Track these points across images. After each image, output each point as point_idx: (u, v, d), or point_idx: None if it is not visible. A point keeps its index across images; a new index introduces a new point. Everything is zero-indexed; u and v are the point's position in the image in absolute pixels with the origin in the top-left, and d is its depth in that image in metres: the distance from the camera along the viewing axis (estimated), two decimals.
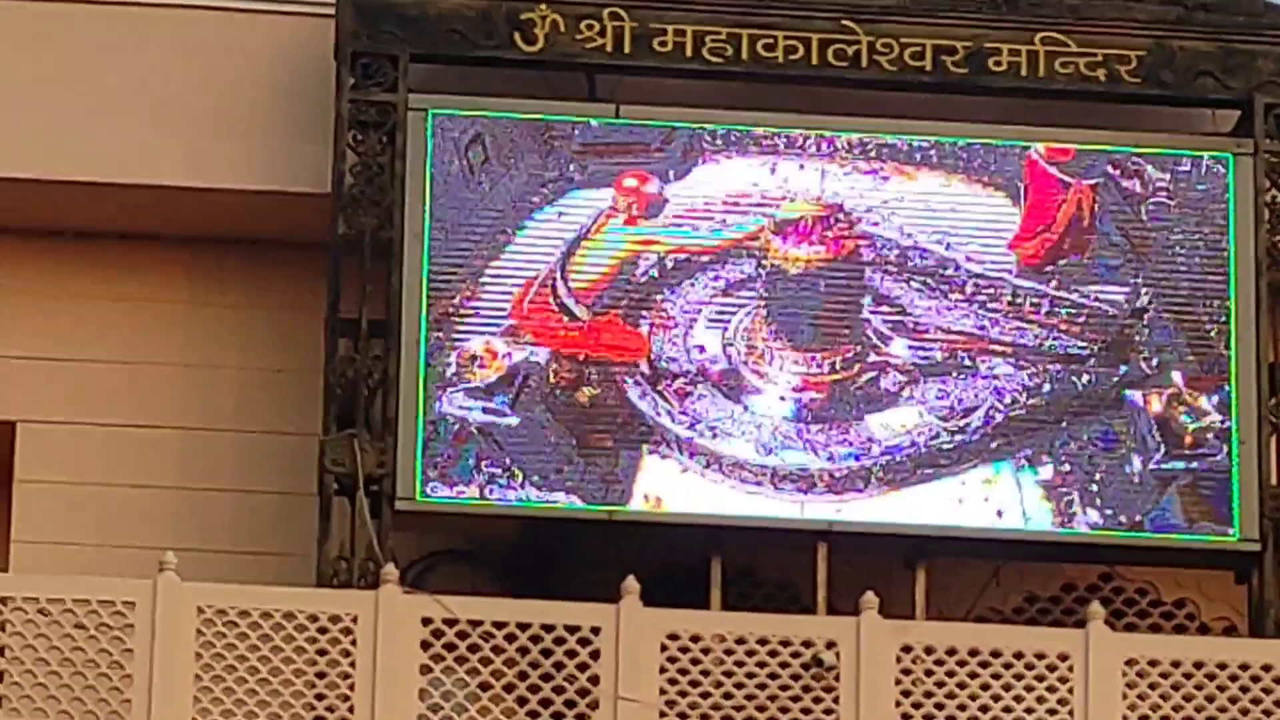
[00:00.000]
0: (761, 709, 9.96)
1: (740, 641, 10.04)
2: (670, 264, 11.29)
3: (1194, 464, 11.26)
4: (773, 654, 9.98)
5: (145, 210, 11.81)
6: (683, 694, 9.93)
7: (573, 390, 11.04)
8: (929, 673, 9.94)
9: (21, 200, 11.61)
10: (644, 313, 11.18)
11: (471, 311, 11.06)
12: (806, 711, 10.00)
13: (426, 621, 9.94)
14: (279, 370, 12.03)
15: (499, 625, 9.95)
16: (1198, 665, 10.27)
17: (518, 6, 11.64)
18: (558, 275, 11.17)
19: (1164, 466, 11.22)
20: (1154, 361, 11.31)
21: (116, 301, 11.97)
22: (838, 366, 11.26)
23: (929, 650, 10.03)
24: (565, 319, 11.12)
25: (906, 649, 9.98)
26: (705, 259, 11.34)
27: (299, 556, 11.24)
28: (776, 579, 11.40)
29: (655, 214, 11.32)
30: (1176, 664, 10.30)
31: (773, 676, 9.89)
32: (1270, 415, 11.25)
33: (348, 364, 10.88)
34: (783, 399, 11.16)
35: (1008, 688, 10.01)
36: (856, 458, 11.08)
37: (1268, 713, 10.37)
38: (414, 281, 11.05)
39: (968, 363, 11.34)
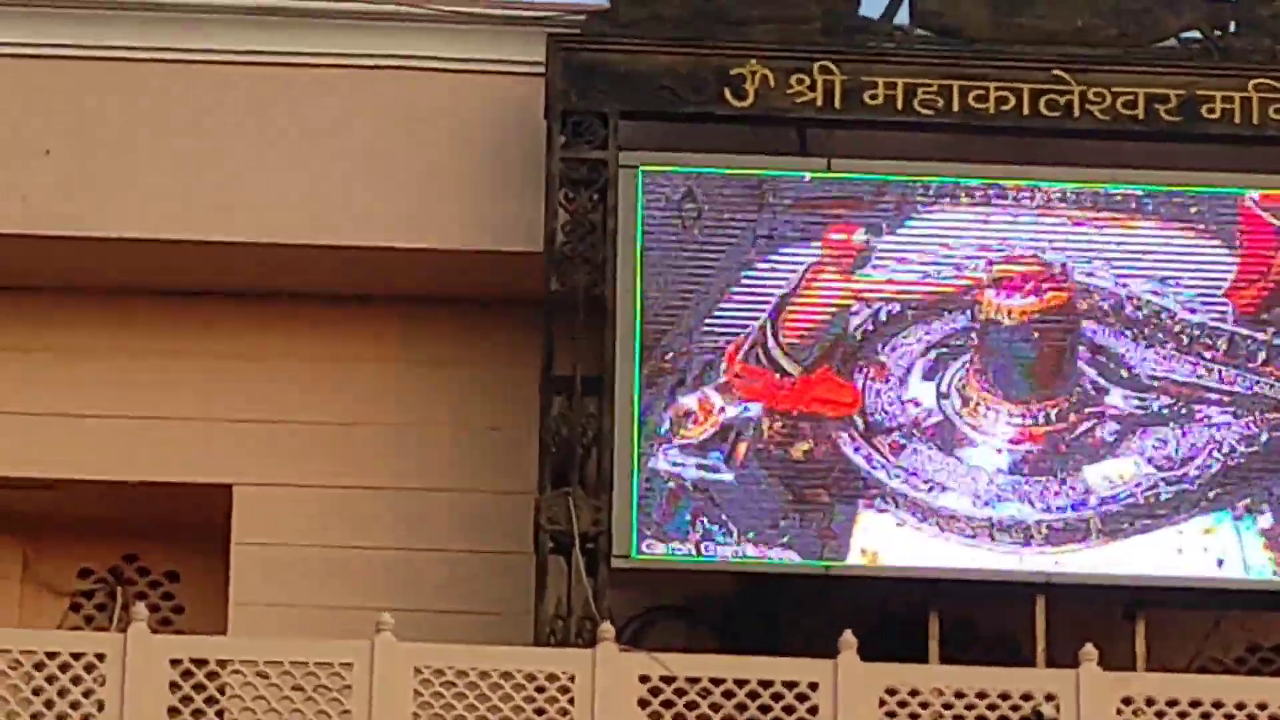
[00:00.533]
0: None
1: (959, 695, 10.46)
2: (884, 317, 11.89)
3: None
4: (991, 708, 10.40)
5: (358, 270, 12.67)
6: None
7: (787, 445, 11.65)
8: None
9: (238, 263, 12.49)
10: (857, 366, 11.82)
11: (685, 367, 11.74)
12: None
13: (644, 679, 10.36)
14: (493, 429, 12.77)
15: (716, 682, 10.35)
16: None
17: (728, 62, 12.33)
18: (769, 331, 11.83)
19: None
20: None
21: (331, 362, 12.79)
22: (1053, 418, 11.86)
23: (1150, 702, 10.39)
24: (777, 375, 11.76)
25: (1127, 701, 10.37)
26: (918, 312, 11.99)
27: (515, 615, 11.85)
28: (995, 632, 11.87)
29: (863, 265, 12.01)
30: None
31: None
32: None
33: (562, 422, 11.51)
34: (998, 451, 11.76)
35: None
36: (1074, 509, 11.61)
37: None
38: (627, 338, 11.72)
39: (1185, 412, 11.90)
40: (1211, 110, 12.32)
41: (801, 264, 12.01)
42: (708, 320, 11.90)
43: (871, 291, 12.03)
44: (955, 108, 12.41)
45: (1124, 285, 12.14)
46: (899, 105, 12.37)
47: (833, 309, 11.94)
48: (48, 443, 12.73)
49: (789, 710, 10.45)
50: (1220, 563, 11.64)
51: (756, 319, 11.84)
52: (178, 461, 12.59)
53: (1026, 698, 10.50)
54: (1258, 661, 12.05)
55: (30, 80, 12.92)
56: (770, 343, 11.89)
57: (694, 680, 10.47)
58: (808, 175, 12.26)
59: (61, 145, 12.77)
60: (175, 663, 10.41)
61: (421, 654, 10.66)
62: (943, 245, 12.17)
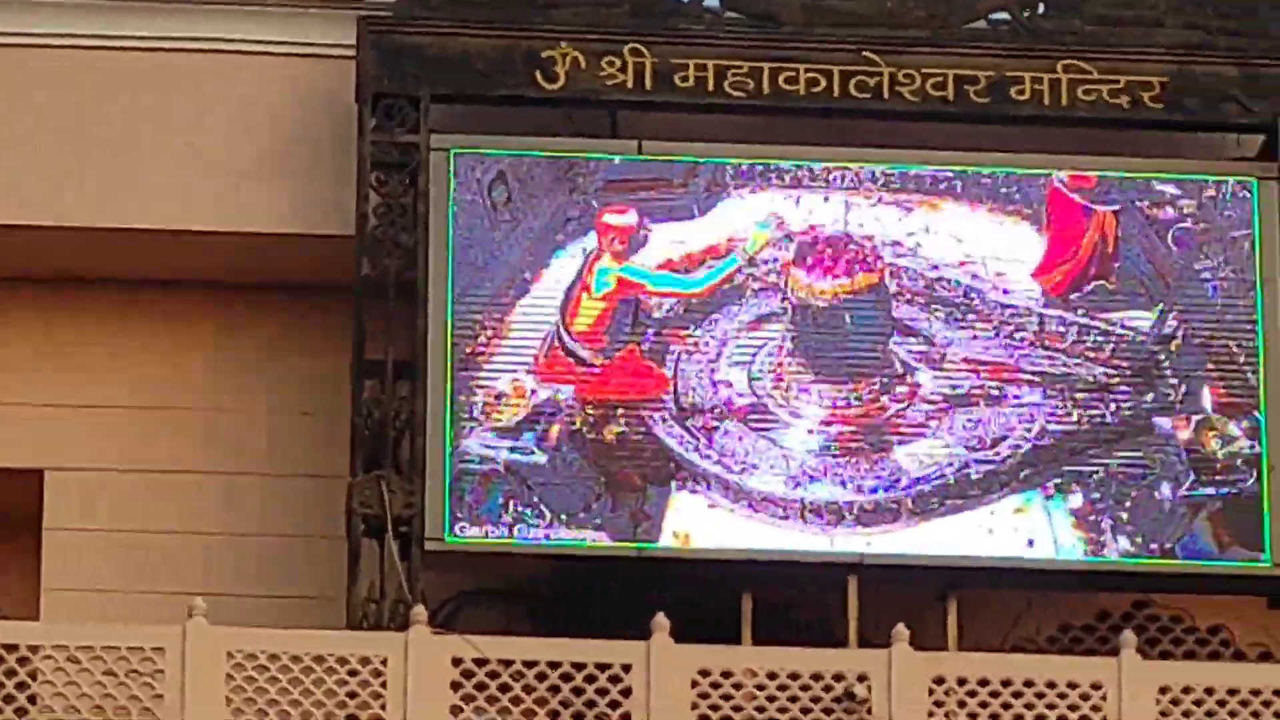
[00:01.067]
0: None
1: (772, 676, 11.46)
2: (693, 300, 12.88)
3: (1224, 490, 12.91)
4: (804, 688, 11.42)
5: (169, 255, 13.44)
6: None
7: (599, 428, 12.67)
8: (962, 704, 11.44)
9: (48, 248, 13.20)
10: (668, 349, 12.77)
11: (498, 350, 12.69)
12: None
13: (457, 662, 11.33)
14: (306, 413, 13.61)
15: (530, 664, 11.39)
16: (1231, 692, 11.78)
17: (538, 45, 13.26)
18: (559, 323, 12.89)
19: (1194, 493, 12.86)
20: (1182, 388, 12.94)
21: (144, 347, 13.53)
22: (865, 399, 12.90)
23: (962, 681, 11.47)
24: (577, 365, 12.81)
25: (939, 681, 11.44)
26: (729, 293, 12.92)
27: (329, 599, 12.79)
28: (808, 613, 12.83)
29: (639, 247, 12.94)
30: (1210, 691, 11.81)
31: (805, 711, 11.34)
32: None
33: (374, 406, 12.47)
34: (811, 432, 12.79)
35: (1041, 718, 11.55)
36: (886, 490, 12.71)
37: None
38: (439, 322, 12.69)
39: (995, 392, 12.99)
40: (1021, 92, 13.32)
41: (587, 250, 13.03)
42: (520, 303, 12.83)
43: (678, 271, 12.92)
44: (766, 90, 13.34)
45: (935, 267, 13.10)
46: (709, 87, 13.28)
47: (616, 295, 12.88)
48: None
49: (602, 692, 11.42)
50: (1031, 543, 12.76)
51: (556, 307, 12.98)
52: None
53: (839, 678, 11.47)
54: (1069, 641, 12.91)
55: None
56: (563, 334, 12.88)
57: (507, 663, 11.37)
58: (618, 158, 13.15)
59: None
60: None
61: (233, 638, 11.41)
62: (754, 226, 13.04)
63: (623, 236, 13.15)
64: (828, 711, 11.56)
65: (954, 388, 13.10)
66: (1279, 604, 13.08)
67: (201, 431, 13.58)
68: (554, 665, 11.59)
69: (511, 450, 12.92)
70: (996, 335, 13.12)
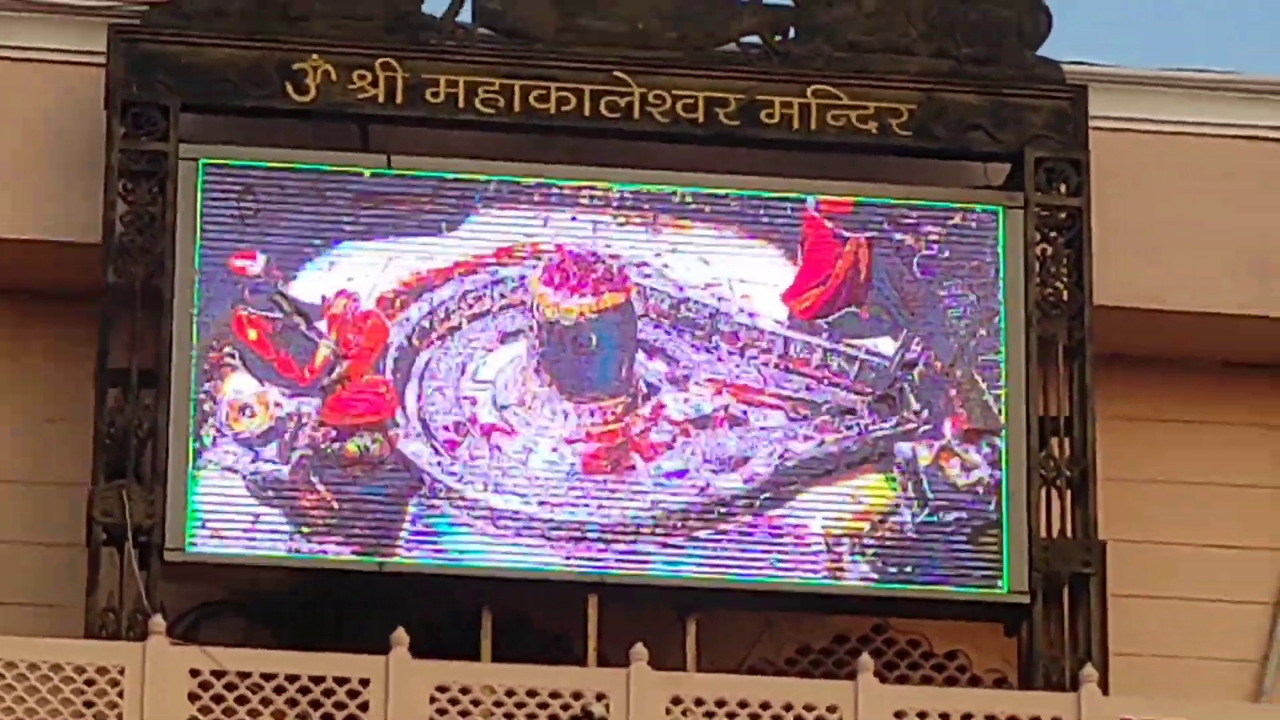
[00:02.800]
0: None
1: (510, 694, 13.97)
2: (442, 314, 15.60)
3: (964, 516, 15.76)
4: (543, 706, 13.91)
5: None
6: None
7: (342, 440, 15.27)
8: None
9: None
10: (413, 364, 15.62)
11: (243, 358, 15.39)
12: None
13: (195, 673, 13.73)
14: (49, 420, 16.06)
15: (268, 677, 13.83)
16: (966, 717, 14.54)
17: (290, 57, 15.77)
18: (308, 332, 15.67)
19: (934, 519, 15.69)
20: (924, 414, 15.74)
21: None
22: (610, 418, 15.59)
23: (699, 702, 13.98)
24: (326, 376, 15.49)
25: (676, 701, 13.94)
26: (476, 310, 15.67)
27: (68, 608, 15.11)
28: (549, 631, 15.65)
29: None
30: (945, 716, 14.57)
31: None
32: (1039, 468, 15.73)
33: (117, 414, 14.94)
34: (554, 450, 15.47)
35: None
36: (629, 509, 15.46)
37: None
38: (184, 331, 15.18)
39: (739, 414, 15.68)
40: (771, 115, 16.10)
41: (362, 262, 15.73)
42: (266, 318, 15.60)
43: (426, 287, 15.79)
44: (517, 107, 15.99)
45: (681, 288, 15.80)
46: (460, 103, 15.90)
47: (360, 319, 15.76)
48: None
49: (340, 706, 13.81)
50: (771, 565, 15.59)
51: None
52: None
53: (577, 696, 13.96)
54: (808, 663, 15.71)
55: None
56: (316, 345, 15.74)
57: (245, 675, 13.73)
58: (367, 171, 15.85)
59: None
60: None
61: None
62: (501, 245, 15.81)
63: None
64: None
65: (698, 409, 15.80)
66: (1015, 631, 15.78)
67: None
68: (292, 678, 13.96)
69: (254, 461, 15.42)
70: (742, 357, 15.92)
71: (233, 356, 15.77)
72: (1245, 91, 18.29)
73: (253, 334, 15.86)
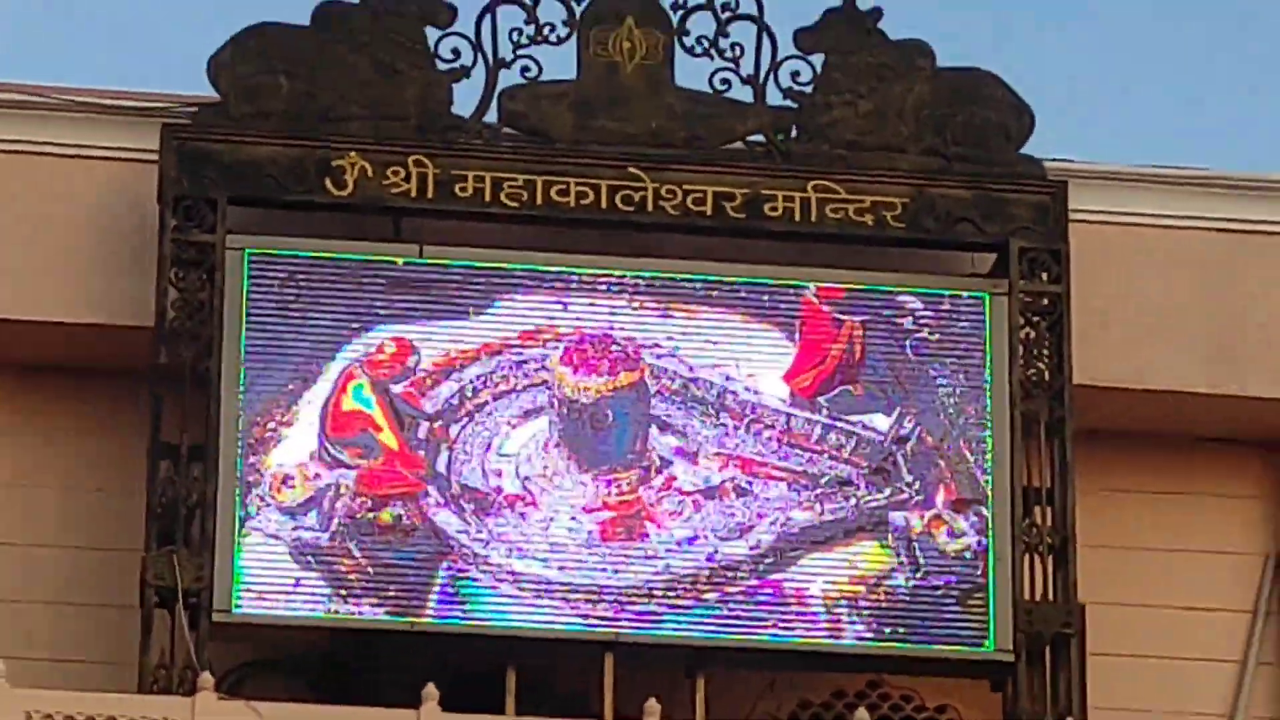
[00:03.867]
0: None
1: None
2: (469, 393, 16.32)
3: (953, 580, 16.30)
4: None
5: None
6: None
7: (377, 510, 15.91)
8: None
9: None
10: (441, 440, 16.22)
11: (285, 436, 15.95)
12: None
13: None
14: (100, 490, 16.76)
15: None
16: None
17: (328, 154, 16.32)
18: (320, 430, 16.35)
19: (926, 583, 16.29)
20: (916, 485, 16.32)
21: None
22: (625, 488, 16.22)
23: None
24: (361, 451, 16.21)
25: None
26: (502, 389, 16.36)
27: (122, 665, 15.66)
28: (569, 688, 16.31)
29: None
30: None
31: None
32: (1023, 535, 16.36)
33: (168, 485, 15.43)
34: (573, 519, 16.05)
35: None
36: (641, 574, 16.05)
37: None
38: (230, 408, 15.70)
39: (745, 485, 16.36)
40: (774, 208, 16.67)
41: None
42: (307, 393, 16.11)
43: (462, 369, 16.48)
44: (539, 200, 16.54)
45: (690, 368, 16.48)
46: (486, 197, 16.42)
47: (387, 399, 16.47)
48: None
49: None
50: (774, 625, 16.31)
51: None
52: None
53: None
54: (808, 717, 16.45)
55: None
56: (323, 433, 16.42)
57: None
58: (400, 260, 16.48)
59: None
60: None
61: (33, 699, 14.09)
62: (525, 328, 16.48)
63: (393, 363, 16.73)
64: None
65: (706, 480, 16.44)
66: (1000, 687, 16.43)
67: (3, 504, 16.70)
68: None
69: (295, 529, 15.97)
70: (747, 432, 16.55)
71: (275, 431, 16.39)
72: (1213, 186, 18.74)
73: (296, 410, 16.57)
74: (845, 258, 17.74)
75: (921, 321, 17.33)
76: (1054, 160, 18.33)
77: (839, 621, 16.75)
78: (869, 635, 16.67)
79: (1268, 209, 19.11)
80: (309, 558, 16.33)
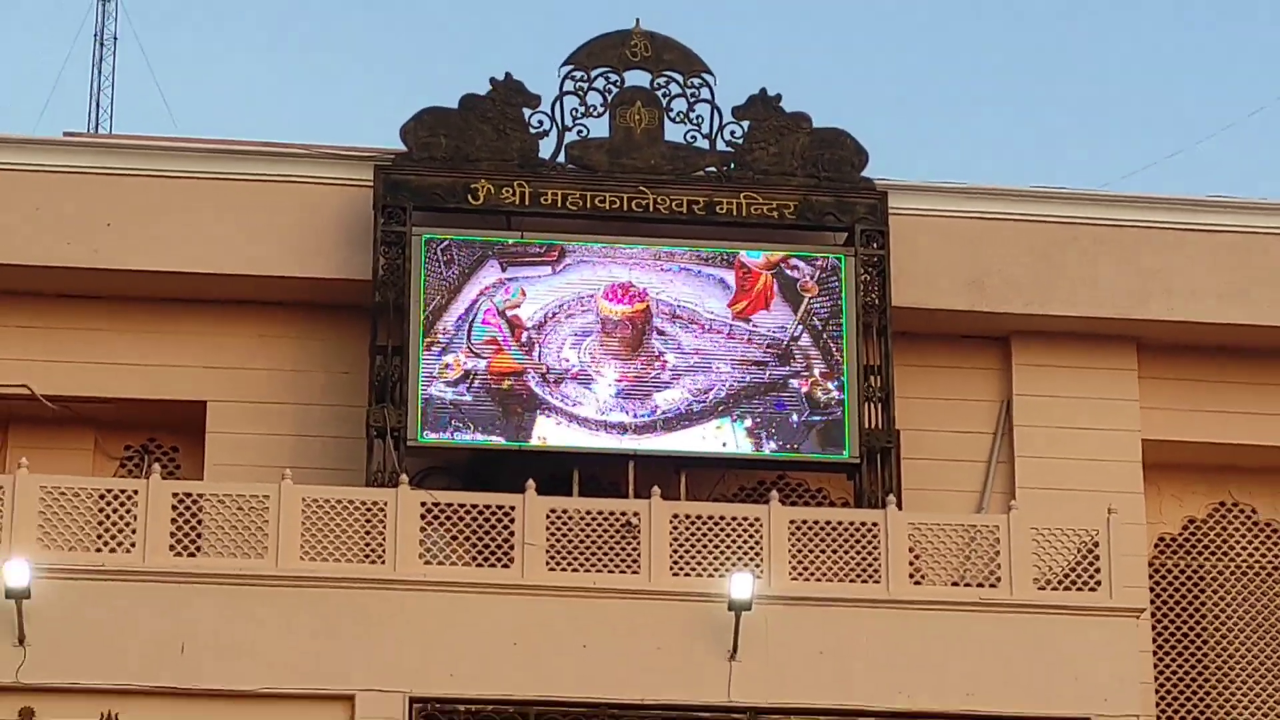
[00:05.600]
0: None
1: (588, 512, 16.25)
2: (550, 314, 17.83)
3: (825, 417, 17.87)
4: (603, 517, 16.08)
5: (258, 290, 18.66)
6: None
7: (499, 382, 17.58)
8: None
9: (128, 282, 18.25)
10: (537, 341, 17.72)
11: (446, 340, 17.54)
12: None
13: (424, 504, 15.91)
14: (346, 372, 18.25)
15: (462, 505, 16.03)
16: (829, 522, 16.56)
17: (469, 181, 17.77)
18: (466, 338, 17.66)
19: (810, 419, 17.89)
20: (803, 364, 17.84)
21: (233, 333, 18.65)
22: (639, 368, 17.82)
23: (688, 515, 16.13)
24: (490, 348, 17.70)
25: (674, 516, 15.95)
26: (570, 313, 17.91)
27: (356, 472, 17.40)
28: (608, 481, 17.82)
29: (515, 306, 17.76)
30: (816, 522, 16.62)
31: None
32: (864, 392, 17.77)
33: (381, 369, 17.12)
34: (609, 385, 17.77)
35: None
36: (649, 415, 17.69)
37: (871, 552, 16.43)
38: (415, 326, 17.25)
39: (707, 365, 17.90)
40: (721, 209, 18.23)
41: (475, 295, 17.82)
42: (458, 316, 17.64)
43: (539, 301, 17.95)
44: (588, 206, 18.10)
45: (675, 300, 17.99)
46: (558, 204, 18.04)
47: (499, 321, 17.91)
48: None
49: (499, 521, 15.73)
50: (724, 444, 17.85)
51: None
52: None
53: (623, 514, 16.14)
54: (744, 495, 18.16)
55: None
56: (468, 338, 17.80)
57: (450, 504, 15.91)
58: (510, 241, 17.97)
59: None
60: None
61: (313, 491, 15.89)
62: (581, 277, 18.08)
63: (507, 298, 18.11)
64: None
65: (686, 362, 18.09)
66: (853, 478, 18.08)
67: (292, 383, 18.61)
68: (474, 506, 15.98)
69: (454, 392, 17.62)
70: (706, 335, 18.20)
71: (440, 338, 17.94)
72: (973, 194, 20.18)
73: (449, 327, 18.11)
74: (762, 237, 19.12)
75: (806, 273, 18.79)
76: (881, 179, 19.49)
77: (760, 439, 18.33)
78: (779, 448, 18.33)
79: (1010, 206, 20.17)
80: (460, 409, 17.93)
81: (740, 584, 15.65)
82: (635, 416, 18.48)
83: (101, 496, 16.21)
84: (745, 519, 16.83)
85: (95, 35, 38.40)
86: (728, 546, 16.56)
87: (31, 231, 18.55)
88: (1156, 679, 19.61)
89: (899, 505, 17.49)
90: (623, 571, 16.44)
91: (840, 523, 17.05)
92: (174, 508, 16.18)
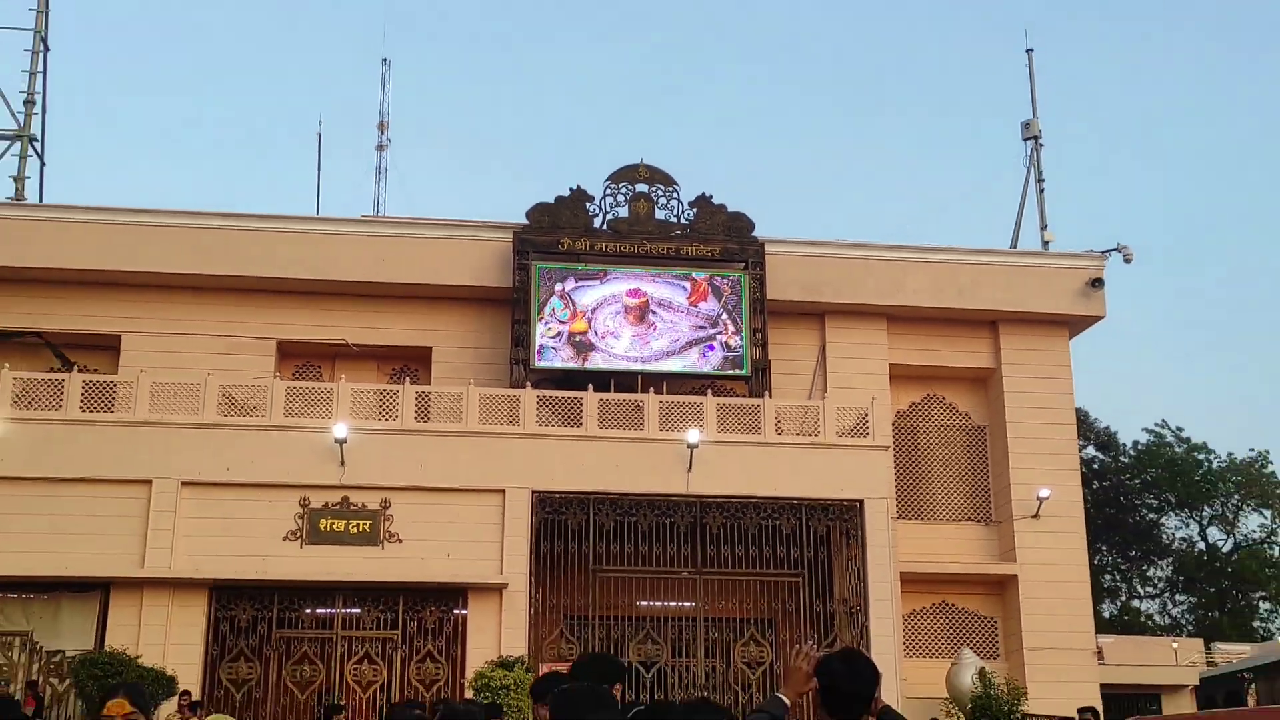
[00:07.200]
0: None
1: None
2: (598, 303, 21.31)
3: (735, 354, 21.51)
4: None
5: (458, 290, 21.72)
6: None
7: (574, 339, 20.99)
8: None
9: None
10: (591, 319, 21.25)
11: (546, 318, 21.15)
12: None
13: (538, 396, 20.81)
14: (499, 333, 21.41)
15: (555, 397, 21.20)
16: (736, 405, 21.07)
17: (560, 237, 21.47)
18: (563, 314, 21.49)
19: (726, 355, 21.40)
20: (719, 328, 21.47)
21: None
22: (642, 331, 21.21)
23: None
24: (569, 322, 21.46)
25: None
26: (607, 305, 21.32)
27: (503, 381, 20.88)
28: (630, 388, 20.47)
29: (580, 296, 21.35)
30: (729, 404, 20.13)
31: None
32: (753, 341, 21.38)
33: (518, 330, 20.76)
34: (628, 339, 21.12)
35: None
36: (649, 353, 21.19)
37: (757, 419, 20.26)
38: (533, 308, 20.76)
39: (674, 326, 21.33)
40: (686, 252, 21.63)
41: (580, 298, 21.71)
42: (551, 306, 21.21)
43: (593, 296, 21.64)
44: (622, 250, 21.61)
45: (661, 298, 21.53)
46: (603, 250, 21.52)
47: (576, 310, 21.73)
48: None
49: None
50: (684, 367, 21.60)
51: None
52: None
53: None
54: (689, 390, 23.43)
55: None
56: (554, 315, 21.35)
57: None
58: (580, 267, 21.60)
59: None
60: None
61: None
62: (617, 285, 21.45)
63: (576, 299, 21.08)
64: None
65: (666, 326, 21.34)
66: (748, 383, 21.07)
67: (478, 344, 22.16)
68: (558, 399, 21.17)
69: (551, 342, 21.00)
70: (675, 314, 21.43)
71: (552, 313, 21.22)
72: (818, 243, 23.18)
73: (564, 314, 21.31)
74: (702, 267, 21.98)
75: (724, 284, 21.91)
76: (761, 235, 22.30)
77: (703, 364, 21.67)
78: (712, 369, 21.77)
79: (829, 248, 23.25)
80: (555, 349, 21.23)
81: (692, 435, 18.53)
82: (641, 354, 21.61)
83: (382, 394, 19.06)
84: (696, 403, 19.44)
85: None
86: (688, 416, 19.05)
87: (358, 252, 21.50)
88: (898, 483, 22.23)
89: (769, 395, 20.38)
90: (634, 428, 19.06)
91: (741, 405, 19.69)
92: (416, 398, 18.92)
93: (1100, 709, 17.99)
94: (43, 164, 23.23)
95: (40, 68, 22.88)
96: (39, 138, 22.89)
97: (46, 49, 23.10)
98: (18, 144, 22.85)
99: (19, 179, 22.50)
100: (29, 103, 23.01)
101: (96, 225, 20.36)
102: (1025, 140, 24.67)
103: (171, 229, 20.64)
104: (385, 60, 30.99)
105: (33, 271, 20.22)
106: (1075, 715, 15.20)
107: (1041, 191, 24.25)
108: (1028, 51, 26.08)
